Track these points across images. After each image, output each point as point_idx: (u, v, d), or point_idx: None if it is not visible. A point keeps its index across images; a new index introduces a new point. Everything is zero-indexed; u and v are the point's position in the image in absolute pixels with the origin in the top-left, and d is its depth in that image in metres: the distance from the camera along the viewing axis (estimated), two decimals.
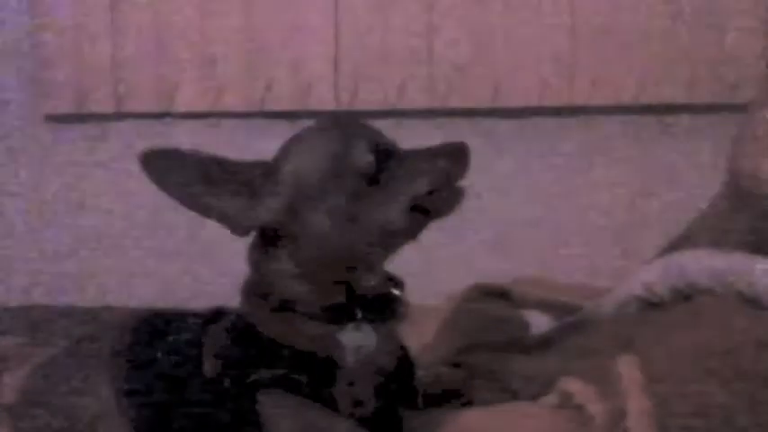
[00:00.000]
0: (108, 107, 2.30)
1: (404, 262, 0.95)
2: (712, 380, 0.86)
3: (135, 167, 0.87)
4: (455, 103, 2.39)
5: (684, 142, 2.34)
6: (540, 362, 1.11)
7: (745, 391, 0.84)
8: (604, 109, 2.35)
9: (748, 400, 0.84)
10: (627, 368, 0.90)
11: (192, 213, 0.85)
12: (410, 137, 2.09)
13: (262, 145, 2.15)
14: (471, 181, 0.91)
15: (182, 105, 2.32)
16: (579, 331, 1.18)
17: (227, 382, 0.84)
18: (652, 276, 1.13)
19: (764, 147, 1.15)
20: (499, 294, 1.40)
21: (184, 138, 2.31)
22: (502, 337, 1.24)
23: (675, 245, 1.25)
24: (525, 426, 0.92)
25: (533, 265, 1.98)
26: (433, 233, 0.91)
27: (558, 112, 2.37)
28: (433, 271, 1.85)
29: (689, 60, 2.31)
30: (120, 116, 2.31)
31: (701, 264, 1.06)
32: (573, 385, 0.94)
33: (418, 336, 1.14)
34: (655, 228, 1.91)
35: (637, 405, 0.84)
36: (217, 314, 0.92)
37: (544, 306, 1.36)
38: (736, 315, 0.95)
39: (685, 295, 1.08)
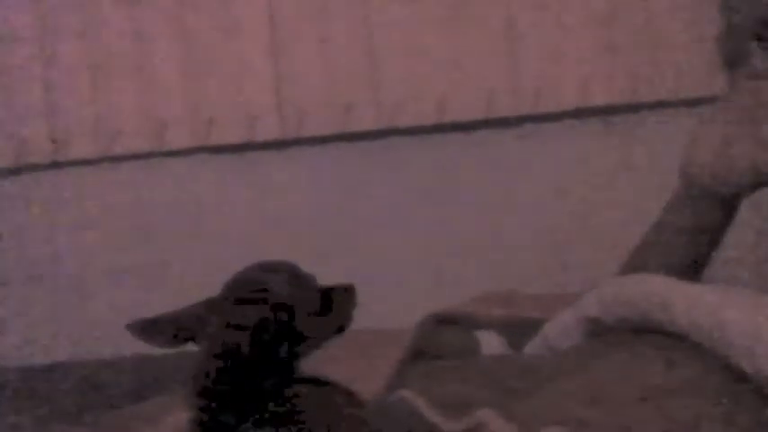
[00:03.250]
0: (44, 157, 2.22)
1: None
2: None
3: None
4: (403, 121, 2.36)
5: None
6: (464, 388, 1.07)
7: None
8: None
9: None
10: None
11: None
12: (360, 159, 2.08)
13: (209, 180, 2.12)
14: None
15: (123, 147, 2.25)
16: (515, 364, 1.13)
17: None
18: (599, 303, 1.07)
19: (698, 137, 1.14)
20: (455, 320, 1.36)
21: (127, 180, 2.25)
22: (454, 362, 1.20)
23: (631, 265, 1.20)
24: None
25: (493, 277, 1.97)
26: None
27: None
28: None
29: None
30: (57, 165, 2.23)
31: (660, 295, 1.00)
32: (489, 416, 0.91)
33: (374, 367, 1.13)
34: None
35: None
36: None
37: (502, 325, 1.31)
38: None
39: (633, 326, 1.02)
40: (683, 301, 0.96)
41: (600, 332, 1.06)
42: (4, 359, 1.95)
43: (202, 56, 2.34)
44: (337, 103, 2.34)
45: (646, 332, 1.00)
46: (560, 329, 1.13)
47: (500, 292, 1.55)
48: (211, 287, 0.98)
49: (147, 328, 1.00)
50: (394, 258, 2.26)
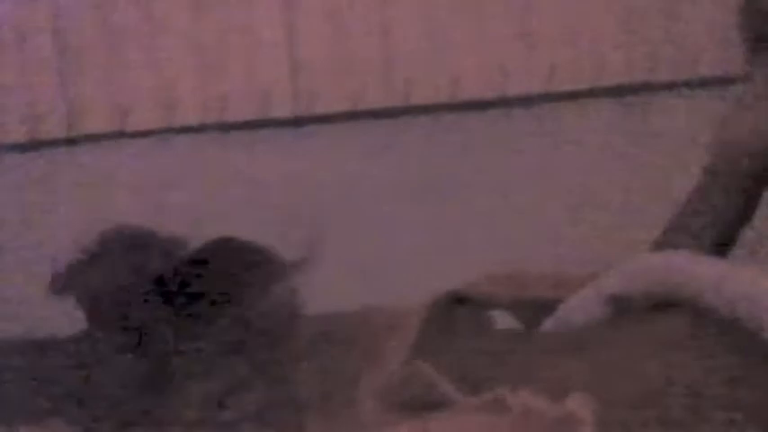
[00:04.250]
0: (60, 132, 2.23)
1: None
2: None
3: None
4: (415, 100, 2.36)
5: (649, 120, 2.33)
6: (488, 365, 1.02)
7: None
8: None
9: None
10: (578, 406, 0.83)
11: None
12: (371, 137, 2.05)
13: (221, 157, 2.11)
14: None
15: (136, 124, 2.26)
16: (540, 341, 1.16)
17: None
18: (622, 280, 1.04)
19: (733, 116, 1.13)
20: (466, 299, 1.38)
21: (139, 155, 2.26)
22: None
23: (665, 241, 1.24)
24: None
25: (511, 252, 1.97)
26: None
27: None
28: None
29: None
30: (71, 141, 2.24)
31: (687, 269, 0.98)
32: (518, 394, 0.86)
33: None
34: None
35: None
36: None
37: (515, 306, 1.33)
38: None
39: (660, 303, 0.98)
40: (713, 275, 0.93)
41: (622, 309, 1.02)
42: None
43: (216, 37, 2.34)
44: (351, 82, 2.33)
45: (671, 308, 0.97)
46: (579, 307, 1.07)
47: (513, 271, 1.54)
48: None
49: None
50: (409, 235, 2.26)
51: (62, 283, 0.97)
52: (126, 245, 0.97)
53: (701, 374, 0.86)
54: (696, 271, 0.95)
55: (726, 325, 0.88)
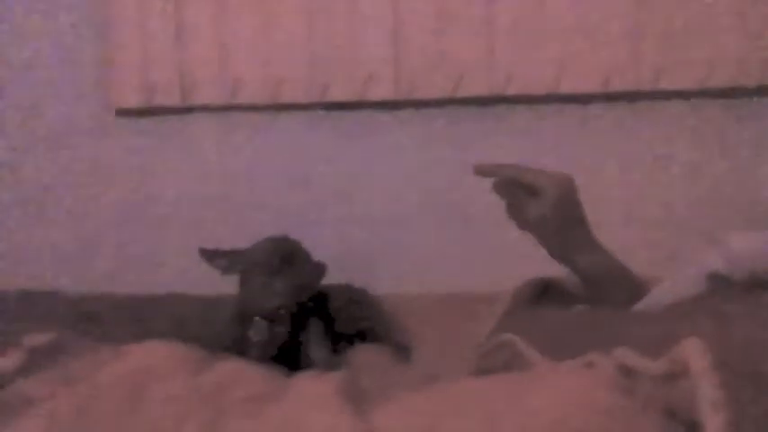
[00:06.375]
0: (174, 101, 2.39)
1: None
2: None
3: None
4: (513, 90, 2.39)
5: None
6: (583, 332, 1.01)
7: None
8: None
9: None
10: (693, 351, 0.74)
11: None
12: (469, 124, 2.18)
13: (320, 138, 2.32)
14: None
15: (244, 98, 2.39)
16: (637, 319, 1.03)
17: None
18: (724, 257, 0.99)
19: None
20: (553, 289, 1.34)
21: (249, 130, 2.41)
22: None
23: None
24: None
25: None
26: None
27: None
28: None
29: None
30: (185, 110, 2.40)
31: None
32: (620, 350, 0.81)
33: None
34: None
35: (709, 394, 0.69)
36: None
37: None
38: None
39: (762, 282, 0.94)
40: None
41: (722, 288, 0.98)
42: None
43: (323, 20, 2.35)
44: (448, 71, 2.36)
45: None
46: (676, 286, 1.05)
47: None
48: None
49: (213, 255, 1.46)
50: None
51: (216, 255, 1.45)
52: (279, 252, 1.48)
53: None
54: None
55: None
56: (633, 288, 1.23)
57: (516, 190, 1.21)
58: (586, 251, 1.23)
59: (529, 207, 1.18)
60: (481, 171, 1.20)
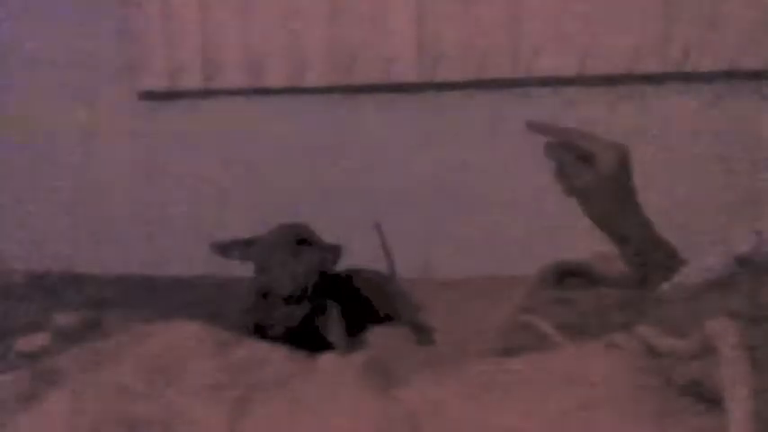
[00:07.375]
0: (198, 84, 2.40)
1: None
2: None
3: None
4: (537, 72, 2.38)
5: None
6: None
7: None
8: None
9: None
10: (721, 330, 0.73)
11: None
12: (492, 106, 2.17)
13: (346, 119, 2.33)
14: None
15: (269, 81, 2.40)
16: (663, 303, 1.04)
17: None
18: (751, 241, 1.00)
19: None
20: (577, 272, 1.34)
21: (272, 113, 2.42)
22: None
23: None
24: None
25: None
26: None
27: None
28: None
29: None
30: (209, 93, 2.41)
31: None
32: (645, 329, 0.82)
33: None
34: None
35: (734, 372, 0.69)
36: None
37: (624, 284, 1.26)
38: None
39: None
40: None
41: (750, 271, 0.98)
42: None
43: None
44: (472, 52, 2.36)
45: None
46: (705, 267, 1.05)
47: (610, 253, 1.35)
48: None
49: (226, 248, 1.48)
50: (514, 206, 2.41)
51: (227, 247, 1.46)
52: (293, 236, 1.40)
53: None
54: None
55: None
56: (671, 262, 1.22)
57: (567, 154, 1.18)
58: (632, 220, 1.22)
59: (580, 173, 1.15)
60: (534, 128, 1.17)
